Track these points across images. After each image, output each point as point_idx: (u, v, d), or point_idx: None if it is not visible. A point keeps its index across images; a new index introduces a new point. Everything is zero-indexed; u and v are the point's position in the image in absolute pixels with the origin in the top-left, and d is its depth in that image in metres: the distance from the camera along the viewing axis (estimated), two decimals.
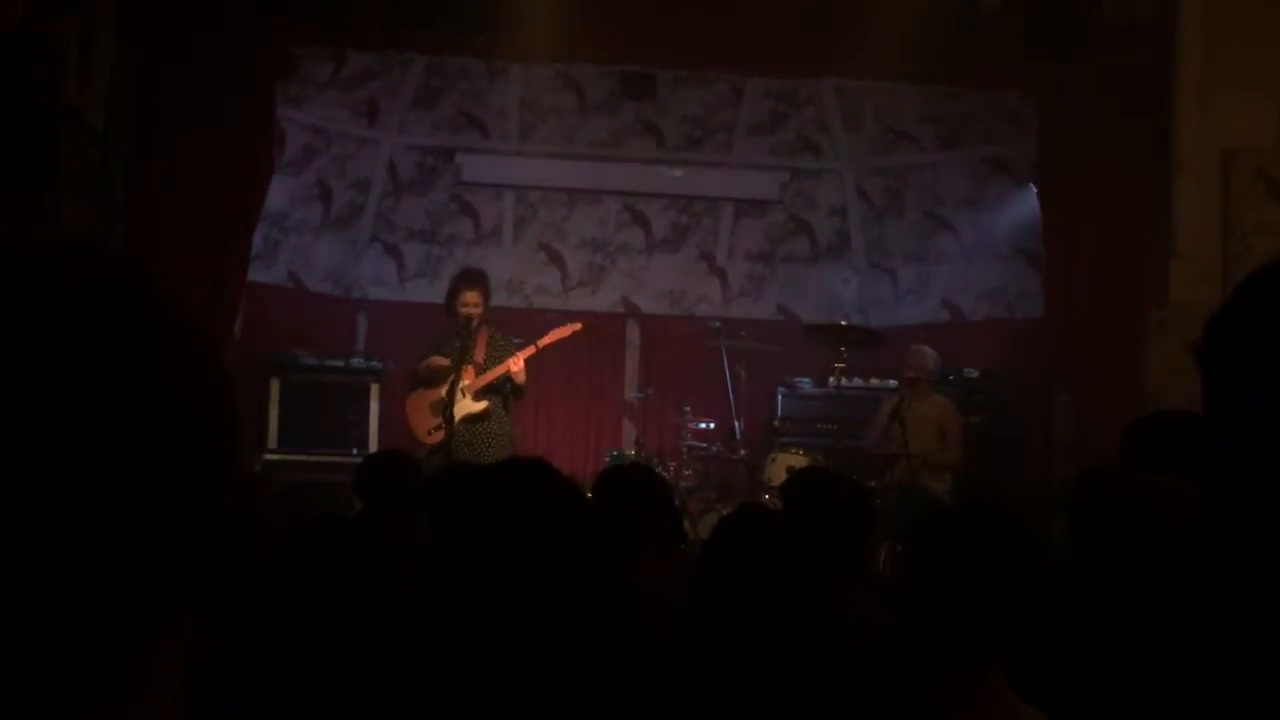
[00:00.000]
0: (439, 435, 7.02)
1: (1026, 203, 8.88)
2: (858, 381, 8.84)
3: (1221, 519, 0.95)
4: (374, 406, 8.62)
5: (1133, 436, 3.19)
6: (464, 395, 7.15)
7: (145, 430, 0.73)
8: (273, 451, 8.29)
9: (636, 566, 3.42)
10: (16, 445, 0.70)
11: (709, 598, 2.43)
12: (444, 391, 7.01)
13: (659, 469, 7.59)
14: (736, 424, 8.62)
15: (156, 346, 0.76)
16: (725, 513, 7.04)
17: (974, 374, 8.86)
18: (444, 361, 7.15)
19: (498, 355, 7.28)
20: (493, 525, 1.70)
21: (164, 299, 0.78)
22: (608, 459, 8.44)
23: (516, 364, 7.14)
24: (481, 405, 7.20)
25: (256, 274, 8.43)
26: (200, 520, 0.76)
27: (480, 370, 7.24)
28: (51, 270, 0.75)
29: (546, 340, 7.32)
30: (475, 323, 7.21)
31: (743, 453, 8.50)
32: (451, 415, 6.96)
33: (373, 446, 8.17)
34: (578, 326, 7.45)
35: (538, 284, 10.42)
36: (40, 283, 0.74)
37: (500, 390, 7.29)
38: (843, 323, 8.75)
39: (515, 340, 7.42)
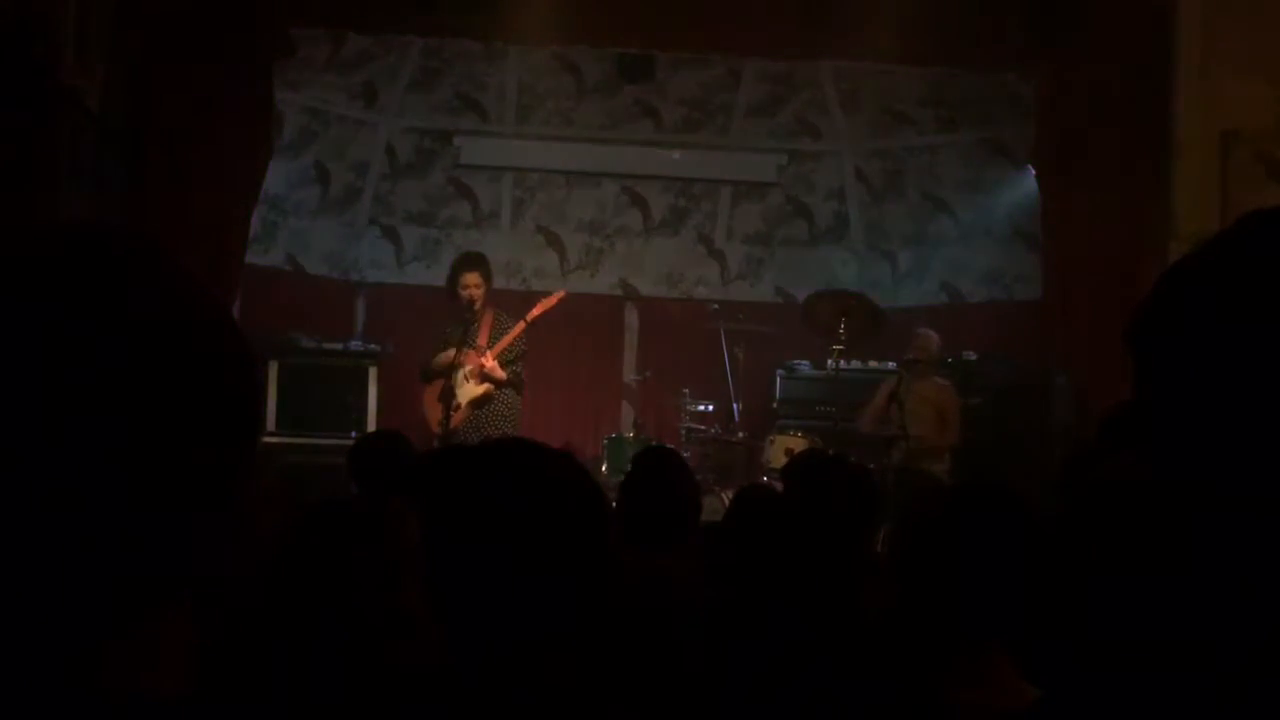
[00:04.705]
0: (449, 422, 7.02)
1: (1025, 185, 8.86)
2: (856, 364, 8.82)
3: (1153, 497, 0.97)
4: (372, 390, 8.60)
5: (1110, 424, 3.16)
6: (467, 380, 7.17)
7: (164, 401, 0.74)
8: (271, 434, 8.28)
9: (658, 552, 3.40)
10: (28, 419, 0.71)
11: (726, 581, 2.41)
12: (448, 379, 7.02)
13: None
14: (735, 406, 8.61)
15: (180, 321, 0.76)
16: (725, 495, 7.09)
17: (972, 356, 8.84)
18: (451, 355, 7.15)
19: (500, 337, 7.30)
20: (477, 505, 1.68)
21: (182, 276, 0.78)
22: (605, 442, 8.45)
23: (489, 363, 7.15)
24: (483, 388, 7.21)
25: (254, 257, 8.43)
26: (202, 495, 0.77)
27: (482, 353, 7.24)
28: (67, 255, 0.76)
29: (535, 313, 7.31)
30: (477, 305, 7.21)
31: (741, 435, 8.49)
32: (455, 401, 6.98)
33: (371, 429, 8.16)
34: (562, 294, 7.50)
35: (536, 266, 10.41)
36: (49, 267, 0.75)
37: (508, 372, 7.31)
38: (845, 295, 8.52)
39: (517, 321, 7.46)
